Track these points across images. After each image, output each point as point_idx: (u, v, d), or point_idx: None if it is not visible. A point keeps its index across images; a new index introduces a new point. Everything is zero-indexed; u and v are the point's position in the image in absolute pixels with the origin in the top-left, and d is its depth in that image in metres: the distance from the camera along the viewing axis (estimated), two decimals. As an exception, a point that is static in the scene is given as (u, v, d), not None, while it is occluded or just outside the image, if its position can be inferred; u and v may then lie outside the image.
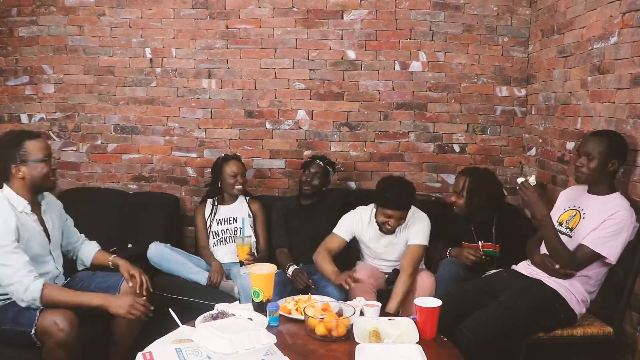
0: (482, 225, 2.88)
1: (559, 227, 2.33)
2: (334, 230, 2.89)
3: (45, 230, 2.28)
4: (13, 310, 2.09)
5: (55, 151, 3.67)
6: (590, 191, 2.33)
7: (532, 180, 2.22)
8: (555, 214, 2.42)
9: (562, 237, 2.27)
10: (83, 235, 2.57)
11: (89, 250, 2.51)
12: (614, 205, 2.19)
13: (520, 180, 2.25)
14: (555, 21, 3.07)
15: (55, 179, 2.29)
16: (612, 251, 2.14)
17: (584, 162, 2.25)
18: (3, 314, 2.10)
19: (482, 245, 2.85)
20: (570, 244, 2.24)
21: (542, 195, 2.24)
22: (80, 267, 2.52)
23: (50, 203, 2.38)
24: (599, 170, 2.22)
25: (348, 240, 2.87)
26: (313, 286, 2.74)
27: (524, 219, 3.15)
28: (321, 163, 3.16)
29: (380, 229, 2.76)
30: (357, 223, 2.88)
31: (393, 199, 2.66)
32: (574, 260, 2.20)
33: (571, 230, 2.29)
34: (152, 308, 2.19)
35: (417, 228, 2.79)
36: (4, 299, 2.14)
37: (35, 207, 2.26)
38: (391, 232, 2.75)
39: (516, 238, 2.66)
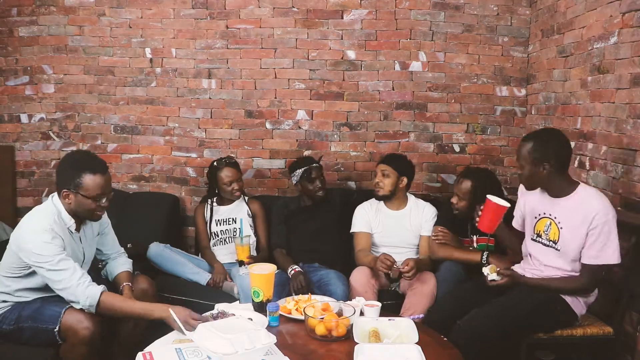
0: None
1: (539, 239, 2.29)
2: (354, 230, 2.97)
3: (82, 248, 2.28)
4: (31, 309, 2.09)
5: (55, 151, 3.68)
6: (551, 194, 2.21)
7: (493, 276, 2.22)
8: (529, 223, 2.34)
9: (549, 250, 2.23)
10: (121, 250, 2.51)
11: (115, 268, 2.41)
12: (588, 209, 2.08)
13: (488, 276, 2.24)
14: (555, 21, 3.07)
15: (100, 215, 2.23)
16: (615, 254, 2.09)
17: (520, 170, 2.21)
18: (19, 313, 2.09)
19: (476, 239, 2.86)
20: (561, 258, 2.20)
21: (508, 280, 2.23)
22: (104, 277, 2.46)
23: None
24: (533, 175, 2.15)
25: (370, 232, 2.94)
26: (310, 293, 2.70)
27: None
28: (318, 165, 3.11)
29: (375, 195, 2.96)
30: (368, 211, 2.98)
31: (383, 156, 3.04)
32: (590, 282, 2.17)
33: (555, 243, 2.21)
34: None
35: (429, 220, 2.93)
36: (20, 299, 2.14)
37: (78, 225, 2.24)
38: (379, 190, 2.91)
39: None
